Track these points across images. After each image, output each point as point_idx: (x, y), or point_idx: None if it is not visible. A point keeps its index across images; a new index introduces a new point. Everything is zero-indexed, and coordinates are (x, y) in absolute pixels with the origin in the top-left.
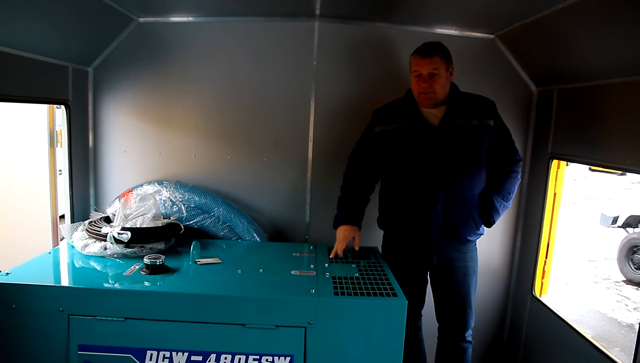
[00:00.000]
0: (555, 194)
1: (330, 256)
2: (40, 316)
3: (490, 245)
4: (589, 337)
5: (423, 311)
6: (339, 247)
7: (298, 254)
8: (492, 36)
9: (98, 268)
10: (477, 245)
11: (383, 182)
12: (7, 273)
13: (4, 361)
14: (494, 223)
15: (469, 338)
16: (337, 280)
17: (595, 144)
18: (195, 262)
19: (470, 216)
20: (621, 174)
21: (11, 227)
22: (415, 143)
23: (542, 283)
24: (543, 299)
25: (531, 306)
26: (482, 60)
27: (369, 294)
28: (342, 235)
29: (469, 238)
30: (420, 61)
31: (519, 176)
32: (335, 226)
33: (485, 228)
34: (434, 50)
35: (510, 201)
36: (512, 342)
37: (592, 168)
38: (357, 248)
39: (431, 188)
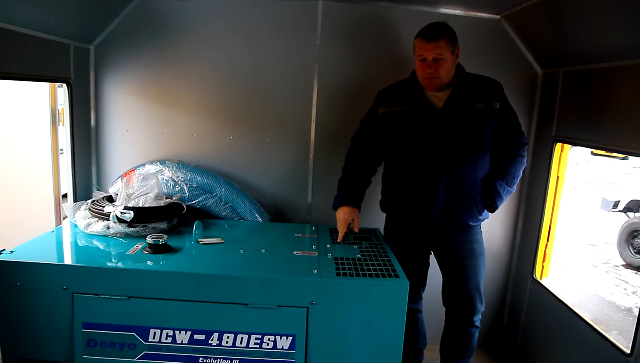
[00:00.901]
0: (558, 177)
1: (338, 241)
2: (44, 294)
3: (491, 227)
4: (588, 319)
5: (433, 297)
6: (340, 230)
7: (300, 235)
8: (497, 17)
9: (101, 247)
10: (481, 227)
11: (386, 165)
12: (12, 251)
13: (9, 339)
14: (497, 208)
15: (477, 323)
16: (339, 261)
17: (601, 128)
18: (198, 242)
19: (473, 201)
20: (623, 159)
21: (14, 206)
22: (418, 126)
23: (542, 266)
24: (543, 282)
25: (531, 289)
26: (487, 41)
27: (370, 275)
28: (342, 217)
29: (471, 223)
30: (425, 45)
31: (525, 161)
32: (335, 208)
33: (488, 213)
34: (439, 33)
35: (515, 186)
36: (512, 324)
37: (594, 151)
38: (356, 230)
39: (433, 172)
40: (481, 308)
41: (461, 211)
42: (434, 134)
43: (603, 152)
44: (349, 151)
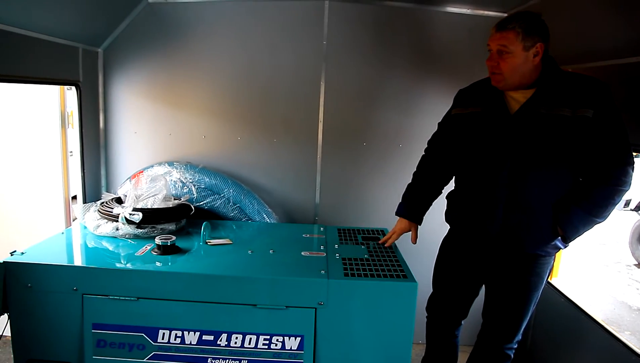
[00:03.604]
0: None
1: (380, 242)
2: (55, 296)
3: None
4: (599, 320)
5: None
6: (391, 238)
7: (308, 235)
8: (505, 14)
9: (110, 249)
10: (553, 259)
11: (455, 173)
12: (23, 253)
13: (21, 339)
14: (570, 240)
15: (507, 352)
16: (347, 261)
17: None
18: (206, 243)
19: (540, 226)
20: (635, 156)
21: (25, 208)
22: (487, 133)
23: (552, 266)
24: (553, 282)
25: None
26: None
27: (379, 276)
28: (398, 227)
29: (538, 252)
30: (493, 34)
31: (623, 186)
32: (397, 215)
33: (563, 243)
34: (510, 22)
35: (602, 217)
36: None
37: None
38: (413, 242)
39: (494, 187)
40: (515, 337)
41: (523, 237)
42: (501, 143)
43: None
44: (423, 154)
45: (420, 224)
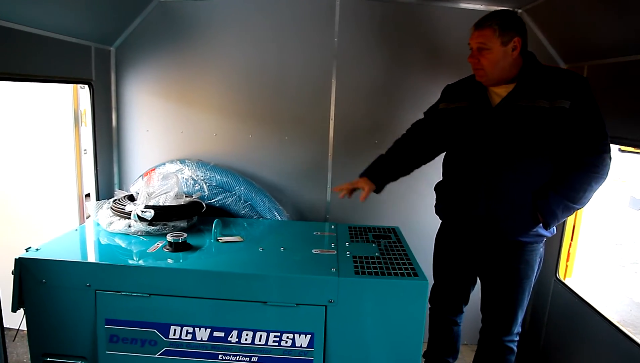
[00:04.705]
0: None
1: (333, 189)
2: (68, 291)
3: None
4: (614, 321)
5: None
6: (342, 186)
7: (319, 233)
8: (519, 10)
9: (123, 245)
10: (542, 247)
11: (442, 165)
12: (37, 249)
13: (36, 334)
14: (550, 226)
15: (509, 345)
16: (358, 259)
17: (628, 124)
18: (217, 240)
19: (521, 214)
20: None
21: (40, 205)
22: (470, 125)
23: (566, 265)
24: (567, 282)
25: (555, 290)
26: None
27: (389, 274)
28: (355, 181)
29: (521, 239)
30: (472, 33)
31: (600, 173)
32: (360, 176)
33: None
34: (487, 21)
35: (580, 203)
36: (534, 326)
37: (622, 148)
38: (361, 200)
39: (475, 177)
40: (514, 329)
41: (505, 224)
42: (483, 135)
43: (632, 148)
44: (403, 133)
45: (377, 192)
